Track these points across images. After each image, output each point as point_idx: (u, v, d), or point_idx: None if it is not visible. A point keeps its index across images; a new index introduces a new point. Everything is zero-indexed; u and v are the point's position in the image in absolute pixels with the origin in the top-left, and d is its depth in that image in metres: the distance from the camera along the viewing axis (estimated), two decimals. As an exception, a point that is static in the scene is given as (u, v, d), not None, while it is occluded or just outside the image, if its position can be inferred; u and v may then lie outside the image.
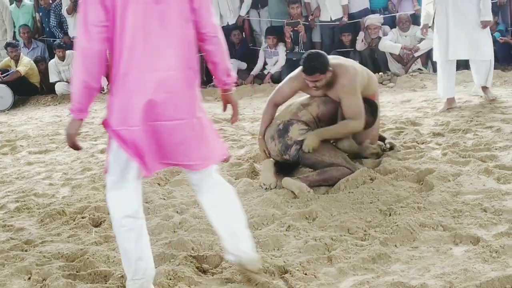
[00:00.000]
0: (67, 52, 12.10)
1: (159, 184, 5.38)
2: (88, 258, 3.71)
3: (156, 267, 3.56)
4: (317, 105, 5.20)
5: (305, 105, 5.22)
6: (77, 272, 3.58)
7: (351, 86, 5.06)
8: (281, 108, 5.47)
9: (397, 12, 10.98)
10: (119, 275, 3.43)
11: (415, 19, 10.83)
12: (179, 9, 2.99)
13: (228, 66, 3.24)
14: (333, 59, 5.25)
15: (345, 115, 5.08)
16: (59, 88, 12.16)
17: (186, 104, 3.03)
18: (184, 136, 3.03)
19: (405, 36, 10.64)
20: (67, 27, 12.80)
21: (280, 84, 5.48)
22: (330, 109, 5.19)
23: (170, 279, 3.37)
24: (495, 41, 9.87)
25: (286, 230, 4.03)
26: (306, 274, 3.35)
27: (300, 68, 5.17)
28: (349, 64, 5.25)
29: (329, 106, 5.20)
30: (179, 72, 3.01)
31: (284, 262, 3.52)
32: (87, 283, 3.45)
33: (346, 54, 11.14)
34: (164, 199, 4.91)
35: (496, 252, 3.38)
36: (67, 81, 12.08)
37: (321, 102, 5.21)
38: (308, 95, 5.33)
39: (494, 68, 9.82)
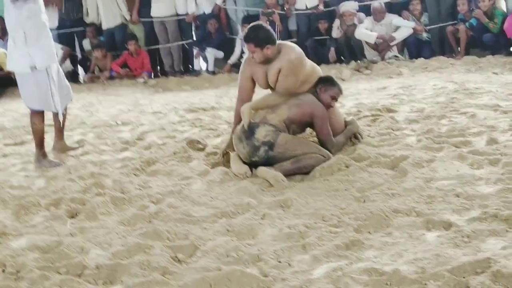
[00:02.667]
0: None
1: (135, 174, 5.36)
2: (63, 249, 3.68)
3: (131, 257, 3.58)
4: (289, 107, 5.16)
5: (275, 109, 5.18)
6: (52, 263, 3.56)
7: (296, 64, 5.08)
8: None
9: (371, 1, 11.02)
10: (94, 266, 3.42)
11: (390, 7, 10.88)
12: None
13: None
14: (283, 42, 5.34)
15: (277, 87, 5.16)
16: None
17: None
18: None
19: (381, 25, 10.68)
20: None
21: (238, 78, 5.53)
22: (302, 111, 5.18)
23: (145, 269, 3.36)
24: (473, 27, 9.96)
25: (261, 218, 4.04)
26: (280, 262, 3.36)
27: None
28: (298, 48, 5.27)
29: (301, 107, 5.18)
30: None
31: (258, 250, 3.52)
32: (62, 274, 3.43)
33: (322, 42, 11.21)
34: (140, 189, 4.89)
35: (468, 237, 3.41)
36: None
37: (293, 104, 5.18)
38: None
39: (471, 54, 9.94)
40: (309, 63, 5.37)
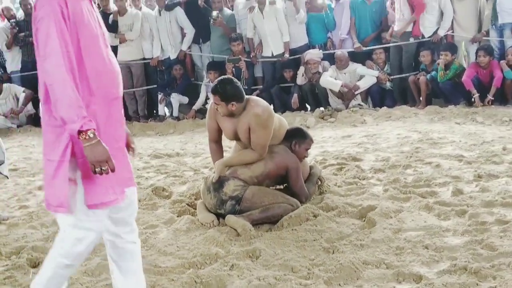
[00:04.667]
0: (4, 85, 11.90)
1: (99, 222, 5.25)
2: (24, 301, 3.58)
3: (96, 310, 3.48)
4: (265, 163, 5.12)
5: (248, 165, 5.18)
6: (13, 316, 3.46)
7: (265, 118, 5.03)
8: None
9: (336, 49, 11.17)
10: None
11: (354, 56, 11.03)
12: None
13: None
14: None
15: (252, 145, 5.11)
16: (-5, 121, 11.92)
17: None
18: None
19: (344, 74, 10.81)
20: (5, 61, 12.56)
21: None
22: (277, 164, 5.16)
23: (111, 323, 3.27)
24: (433, 79, 10.15)
25: (230, 269, 3.97)
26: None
27: None
28: (264, 102, 5.25)
29: (276, 161, 5.16)
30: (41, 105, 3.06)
31: (228, 303, 3.47)
32: (23, 328, 3.33)
33: (287, 89, 11.28)
34: (105, 237, 4.79)
35: (438, 290, 3.41)
36: (4, 115, 11.86)
37: (269, 158, 5.16)
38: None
39: (433, 104, 10.10)
40: (276, 116, 5.36)
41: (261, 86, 11.36)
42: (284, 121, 5.53)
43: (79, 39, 2.94)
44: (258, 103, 5.11)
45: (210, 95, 11.04)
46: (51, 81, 2.86)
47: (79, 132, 2.84)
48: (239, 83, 5.14)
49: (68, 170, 2.95)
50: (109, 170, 2.92)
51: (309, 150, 5.52)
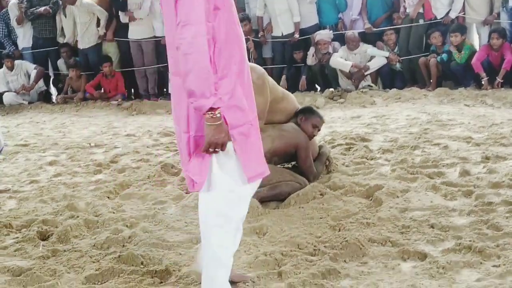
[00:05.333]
0: (16, 62, 11.92)
1: (108, 197, 5.32)
2: (35, 272, 3.63)
3: (104, 282, 3.54)
4: (272, 139, 5.09)
5: None
6: (23, 286, 3.51)
7: (260, 85, 4.94)
8: None
9: (347, 30, 11.13)
10: (67, 290, 3.38)
11: (365, 37, 11.00)
12: (168, 12, 2.88)
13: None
14: None
15: None
16: (7, 98, 11.95)
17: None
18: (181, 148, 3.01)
19: (355, 54, 10.78)
20: (16, 38, 12.58)
21: None
22: (286, 142, 5.15)
23: (119, 294, 3.33)
24: (443, 62, 10.11)
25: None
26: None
27: None
28: (260, 68, 5.18)
29: (285, 139, 5.15)
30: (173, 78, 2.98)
31: (234, 277, 3.50)
32: (34, 298, 3.38)
33: (297, 69, 11.28)
34: (114, 212, 4.84)
35: (443, 268, 3.44)
36: (15, 92, 11.91)
37: (277, 136, 5.13)
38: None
39: (443, 86, 10.09)
40: (280, 89, 5.35)
41: (270, 67, 11.34)
42: (291, 96, 5.49)
43: (217, 7, 2.83)
44: (254, 70, 4.94)
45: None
46: (188, 51, 2.71)
47: (209, 109, 2.76)
48: None
49: None
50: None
51: (319, 131, 5.49)
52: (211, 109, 2.75)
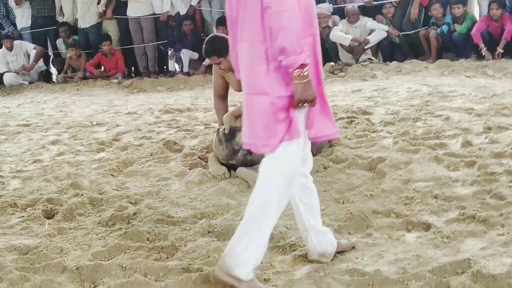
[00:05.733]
0: (15, 42, 11.90)
1: (112, 175, 5.33)
2: (42, 250, 3.65)
3: (111, 258, 3.56)
4: None
5: None
6: (31, 264, 3.53)
7: None
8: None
9: (346, 3, 11.09)
10: (75, 267, 3.39)
11: (364, 10, 10.95)
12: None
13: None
14: None
15: None
16: (7, 78, 11.96)
17: None
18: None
19: (355, 28, 10.74)
20: (14, 18, 12.55)
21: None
22: None
23: (126, 270, 3.35)
24: (443, 35, 10.09)
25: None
26: (261, 262, 3.37)
27: None
28: None
29: None
30: None
31: (240, 251, 3.52)
32: (41, 275, 3.40)
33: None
34: (118, 190, 4.86)
35: (447, 237, 3.47)
36: (15, 72, 11.90)
37: None
38: None
39: (444, 57, 10.08)
40: None
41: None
42: None
43: None
44: None
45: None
46: (281, 8, 2.73)
47: (299, 66, 2.78)
48: (223, 35, 5.16)
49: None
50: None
51: None
52: (301, 66, 2.79)
